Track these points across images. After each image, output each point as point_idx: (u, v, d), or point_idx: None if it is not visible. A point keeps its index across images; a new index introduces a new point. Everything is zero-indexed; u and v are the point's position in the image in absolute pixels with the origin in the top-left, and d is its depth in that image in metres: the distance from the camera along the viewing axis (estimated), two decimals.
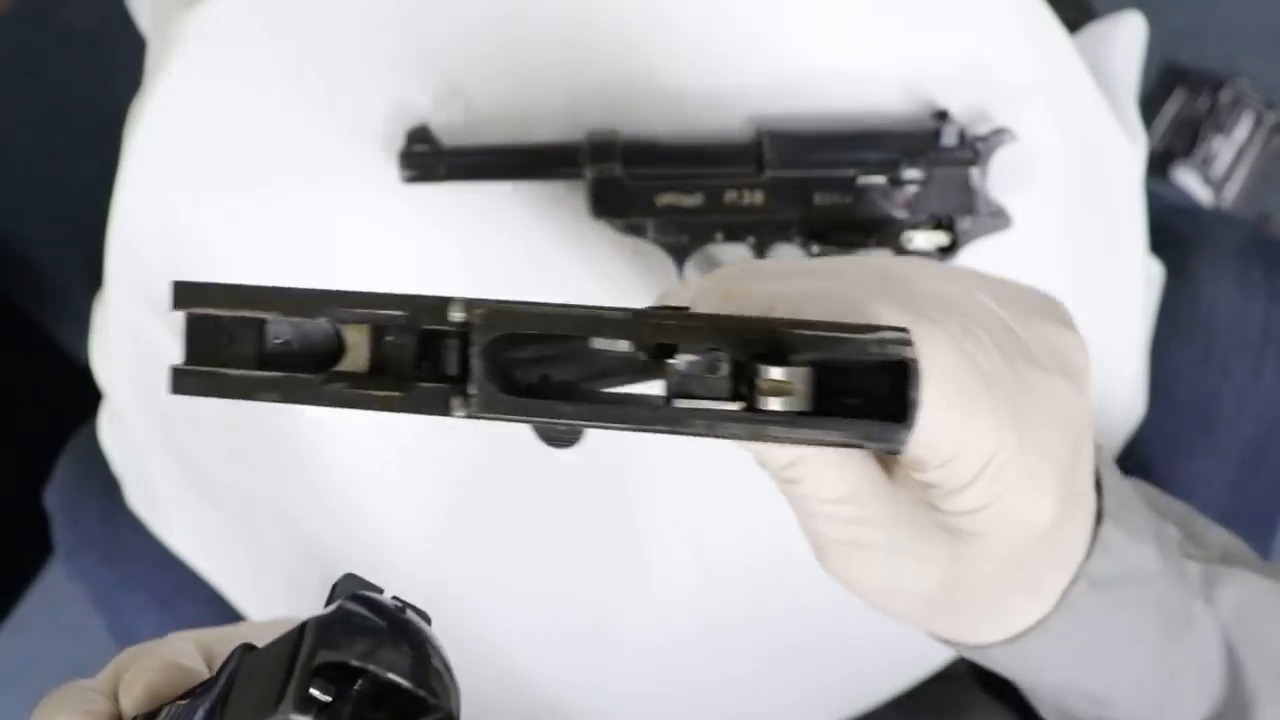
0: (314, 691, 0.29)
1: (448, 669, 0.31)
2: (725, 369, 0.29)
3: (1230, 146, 1.28)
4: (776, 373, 0.29)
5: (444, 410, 0.29)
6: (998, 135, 0.61)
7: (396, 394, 0.30)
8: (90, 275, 0.67)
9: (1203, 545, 0.48)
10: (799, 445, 0.29)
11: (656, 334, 0.29)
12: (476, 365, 0.29)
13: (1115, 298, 0.67)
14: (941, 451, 0.33)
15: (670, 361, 0.29)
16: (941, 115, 0.62)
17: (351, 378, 0.30)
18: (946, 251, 0.62)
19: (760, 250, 0.62)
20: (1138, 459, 0.70)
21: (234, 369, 0.30)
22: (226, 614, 0.70)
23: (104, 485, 0.71)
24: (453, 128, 0.62)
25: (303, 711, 0.29)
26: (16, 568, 1.29)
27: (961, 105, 0.63)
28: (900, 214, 0.62)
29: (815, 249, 0.62)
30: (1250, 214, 1.29)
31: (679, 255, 0.62)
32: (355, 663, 0.29)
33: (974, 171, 0.61)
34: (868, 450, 0.36)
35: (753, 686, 0.71)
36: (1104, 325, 0.67)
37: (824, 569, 0.40)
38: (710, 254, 0.63)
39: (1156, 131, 1.29)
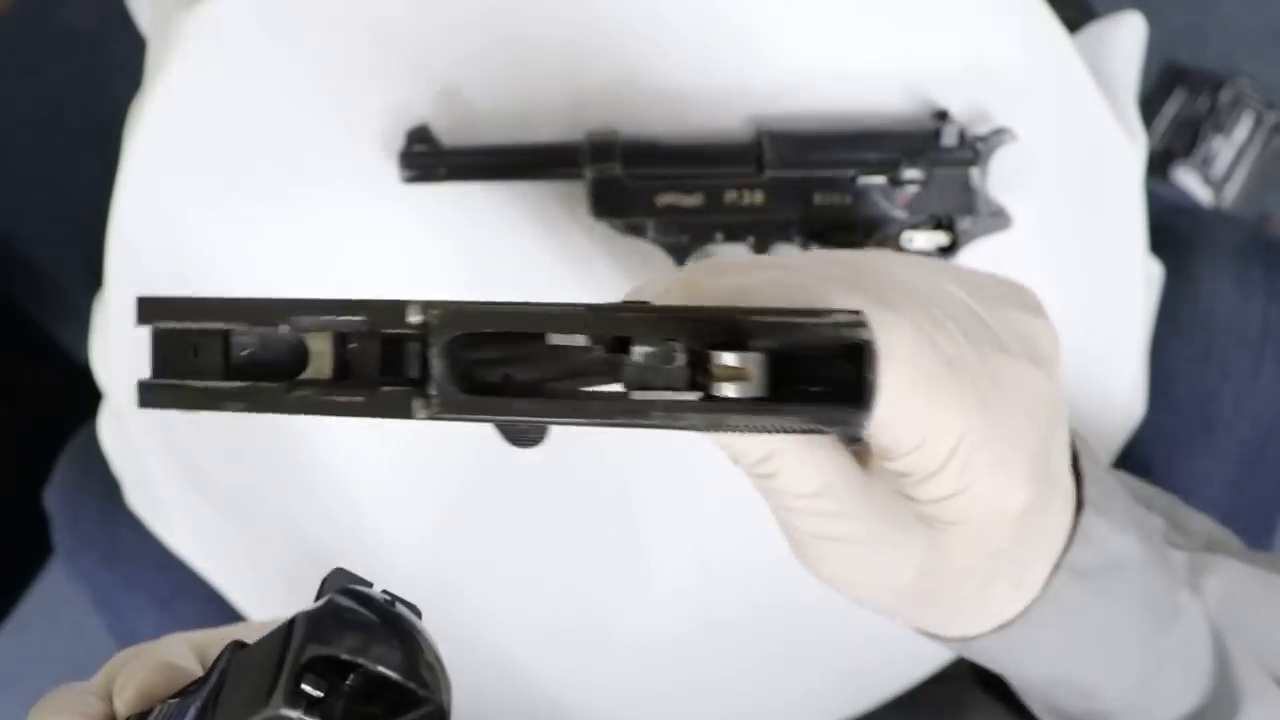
0: (305, 687, 0.29)
1: (438, 661, 0.31)
2: (681, 359, 0.29)
3: (1230, 146, 1.28)
4: (730, 358, 0.29)
5: (406, 413, 0.30)
6: (998, 135, 0.61)
7: (359, 399, 0.30)
8: (90, 275, 0.67)
9: (1188, 534, 0.48)
10: (759, 433, 0.30)
11: (611, 327, 0.29)
12: (436, 366, 0.29)
13: (1115, 298, 0.67)
14: (908, 438, 0.34)
15: (627, 354, 0.29)
16: (941, 115, 0.62)
17: (316, 385, 0.31)
18: (946, 251, 0.62)
19: (760, 250, 0.62)
20: (1137, 459, 0.70)
21: (200, 381, 0.31)
22: (226, 614, 0.70)
23: (104, 485, 0.71)
24: (453, 128, 0.62)
25: (292, 705, 0.29)
26: (16, 568, 1.29)
27: (961, 105, 0.63)
28: (900, 214, 0.62)
29: (815, 249, 0.62)
30: (1250, 214, 1.29)
31: (679, 255, 0.62)
32: (345, 656, 0.29)
33: (974, 171, 0.61)
34: (831, 437, 0.36)
35: (752, 684, 0.71)
36: (1104, 325, 0.67)
37: (802, 564, 0.40)
38: (710, 254, 0.63)
39: (1156, 131, 1.29)
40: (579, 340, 0.30)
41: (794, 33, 0.62)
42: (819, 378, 0.30)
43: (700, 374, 0.29)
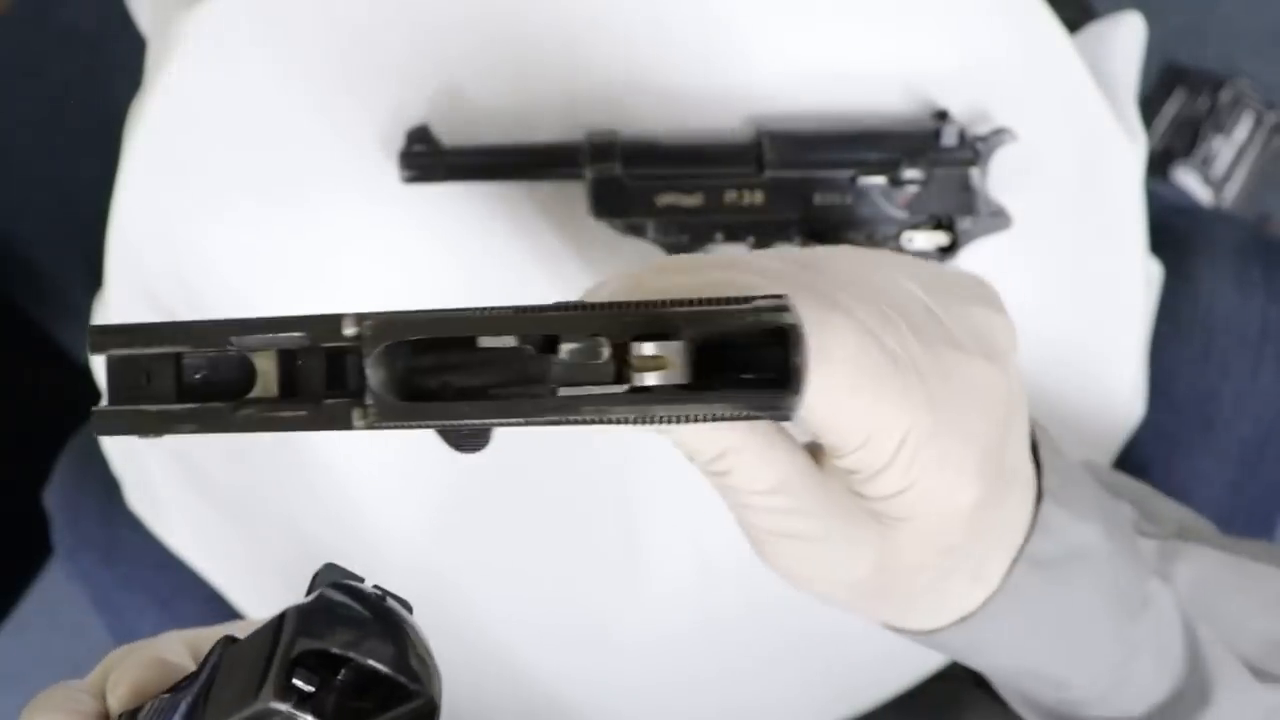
0: (296, 681, 0.29)
1: (429, 655, 0.31)
2: (606, 354, 0.29)
3: (1230, 146, 1.28)
4: (649, 348, 0.29)
5: (346, 423, 0.30)
6: (998, 135, 0.61)
7: (303, 413, 0.31)
8: (90, 275, 0.67)
9: (1159, 522, 0.48)
10: (693, 423, 0.30)
11: (538, 326, 0.30)
12: (371, 376, 0.30)
13: (1115, 298, 0.67)
14: (852, 436, 0.34)
15: (555, 352, 0.30)
16: (941, 115, 0.62)
17: (262, 402, 0.31)
18: (946, 251, 0.62)
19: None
20: (1137, 459, 0.70)
21: (153, 405, 0.31)
22: (226, 614, 0.70)
23: (104, 485, 0.71)
24: (453, 128, 0.62)
25: (283, 699, 0.29)
26: (16, 568, 1.29)
27: (961, 105, 0.63)
28: (900, 214, 0.62)
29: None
30: (1250, 214, 1.29)
31: (680, 255, 0.62)
32: (336, 650, 0.30)
33: (974, 171, 0.61)
34: (785, 435, 0.36)
35: (751, 681, 0.71)
36: (1104, 325, 0.67)
37: (762, 562, 0.40)
38: (715, 254, 0.64)
39: (1156, 131, 1.29)
40: (510, 342, 0.30)
41: (794, 33, 0.62)
42: (754, 366, 0.30)
43: (626, 367, 0.30)
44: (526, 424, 0.30)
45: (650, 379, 0.29)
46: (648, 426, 0.30)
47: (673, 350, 0.30)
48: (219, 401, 0.31)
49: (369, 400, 0.30)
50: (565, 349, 0.30)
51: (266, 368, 0.32)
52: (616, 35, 0.62)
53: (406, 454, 0.67)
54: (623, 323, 0.30)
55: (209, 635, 0.41)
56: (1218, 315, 0.70)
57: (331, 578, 0.32)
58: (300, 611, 0.31)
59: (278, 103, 0.63)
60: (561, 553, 0.69)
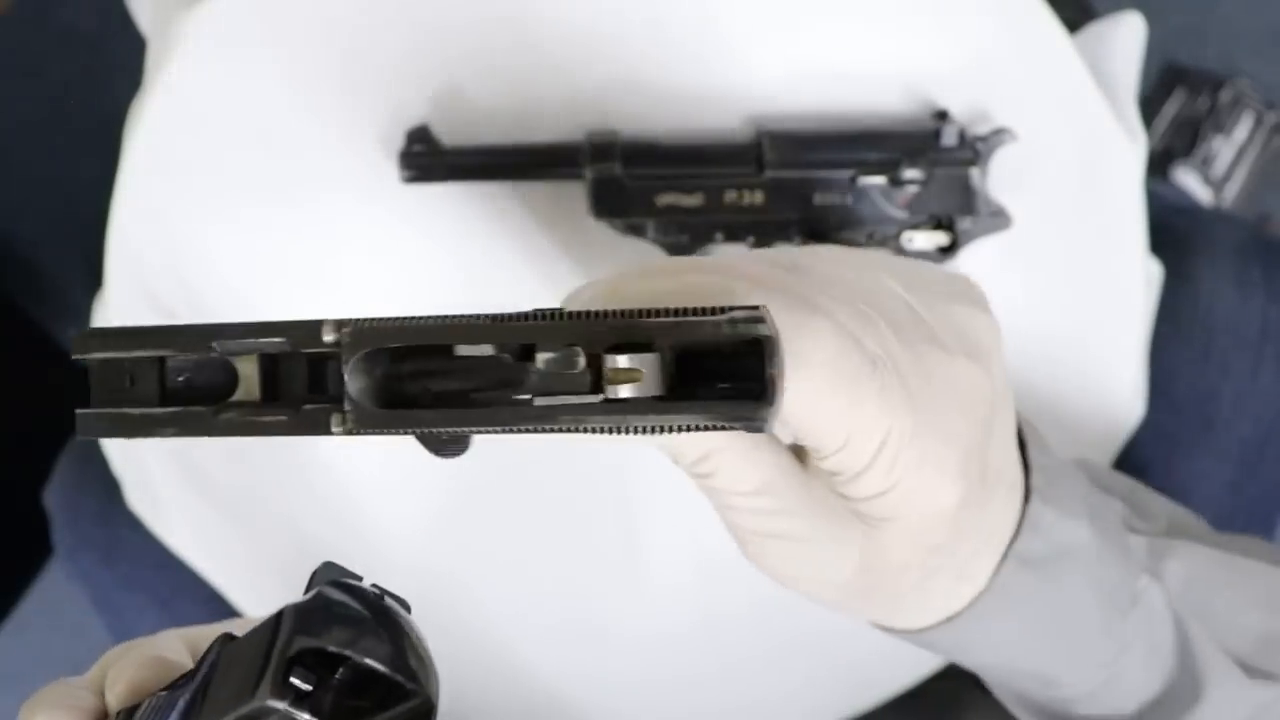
0: (294, 680, 0.29)
1: (427, 655, 0.31)
2: (581, 363, 0.29)
3: (1230, 146, 1.28)
4: (622, 360, 0.29)
5: (325, 429, 0.30)
6: (998, 135, 0.61)
7: (283, 418, 0.31)
8: (90, 275, 0.67)
9: (1149, 519, 0.48)
10: (669, 433, 0.30)
11: (514, 335, 0.30)
12: (350, 382, 0.30)
13: (1115, 298, 0.67)
14: (831, 438, 0.34)
15: (531, 361, 0.30)
16: (941, 115, 0.62)
17: (244, 406, 0.32)
18: (946, 251, 0.62)
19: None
20: (1137, 459, 0.70)
21: (136, 408, 0.32)
22: (226, 614, 0.70)
23: (104, 485, 0.71)
24: (453, 128, 0.62)
25: (279, 697, 0.29)
26: (16, 568, 1.29)
27: (961, 105, 0.63)
28: (900, 214, 0.62)
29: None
30: (1250, 214, 1.29)
31: (679, 255, 0.62)
32: (333, 649, 0.30)
33: (974, 171, 0.61)
34: (769, 436, 0.37)
35: (751, 678, 0.71)
36: (1104, 325, 0.67)
37: (749, 562, 0.40)
38: (710, 254, 0.64)
39: (1156, 131, 1.29)
40: (487, 350, 0.30)
41: (794, 33, 0.62)
42: (733, 374, 0.30)
43: (601, 378, 0.30)
44: (504, 432, 0.30)
45: (625, 391, 0.29)
46: (625, 436, 0.30)
47: (648, 362, 0.30)
48: (201, 405, 0.31)
49: (347, 407, 0.30)
50: (541, 358, 0.30)
51: (249, 372, 0.32)
52: (616, 35, 0.62)
53: (406, 453, 0.67)
54: (597, 333, 0.30)
55: (207, 633, 0.41)
56: (1218, 315, 0.70)
57: (329, 576, 0.32)
58: (298, 610, 0.31)
59: (278, 103, 0.63)
60: (561, 550, 0.69)
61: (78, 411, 0.32)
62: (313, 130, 0.63)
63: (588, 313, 0.30)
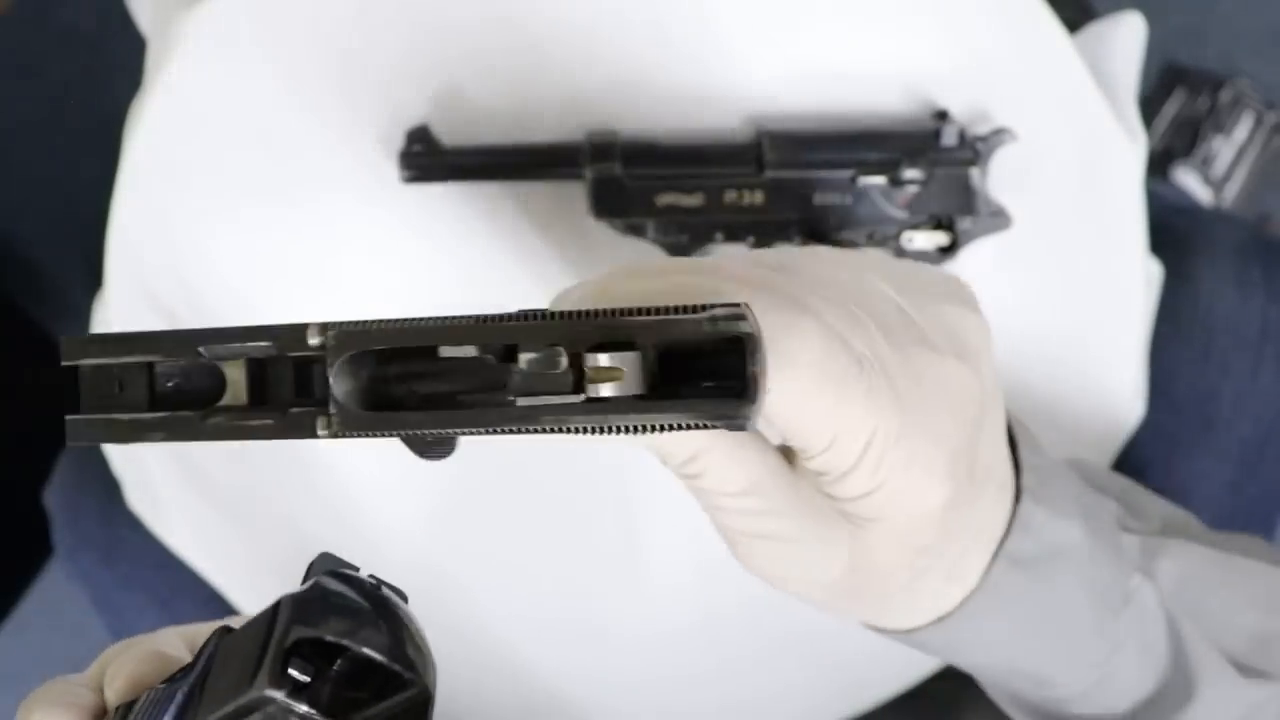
0: (292, 671, 0.29)
1: (424, 645, 0.31)
2: (564, 363, 0.29)
3: (1230, 146, 1.28)
4: (603, 359, 0.29)
5: (311, 432, 0.31)
6: (998, 135, 0.61)
7: (269, 421, 0.31)
8: (90, 275, 0.67)
9: (1143, 518, 0.48)
10: (651, 433, 0.30)
11: (497, 336, 0.30)
12: (335, 385, 0.30)
13: (1115, 298, 0.67)
14: (817, 438, 0.34)
15: (515, 362, 0.30)
16: (941, 115, 0.62)
17: (231, 411, 0.32)
18: (946, 251, 0.62)
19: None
20: (1137, 459, 0.70)
21: (125, 414, 0.32)
22: (225, 614, 0.70)
23: (104, 485, 0.71)
24: (453, 128, 0.62)
25: (277, 686, 0.29)
26: (16, 568, 1.29)
27: (961, 105, 0.63)
28: (900, 214, 0.62)
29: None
30: (1250, 214, 1.29)
31: (679, 255, 0.62)
32: (331, 638, 0.30)
33: (974, 171, 0.61)
34: (757, 436, 0.37)
35: (750, 677, 0.71)
36: (1104, 325, 0.67)
37: (738, 563, 0.40)
38: (710, 254, 0.64)
39: (1156, 131, 1.28)
40: (470, 351, 0.30)
41: (794, 32, 0.62)
42: (716, 373, 0.30)
43: (584, 377, 0.30)
44: (488, 434, 0.30)
45: (606, 389, 0.29)
46: (608, 436, 0.30)
47: (629, 361, 0.30)
48: (189, 410, 0.32)
49: (332, 410, 0.30)
50: (524, 359, 0.30)
51: (236, 377, 0.32)
52: (616, 35, 0.62)
53: (406, 453, 0.67)
54: (579, 333, 0.30)
55: (206, 630, 0.41)
56: (1218, 315, 0.70)
57: (326, 567, 0.32)
58: (295, 600, 0.31)
59: (278, 102, 0.63)
60: (561, 549, 0.69)
61: (67, 418, 0.32)
62: (313, 130, 0.63)
63: (569, 312, 0.30)
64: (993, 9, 0.62)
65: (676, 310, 0.30)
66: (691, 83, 0.63)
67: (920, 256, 0.62)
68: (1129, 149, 0.64)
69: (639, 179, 0.61)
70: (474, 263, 0.65)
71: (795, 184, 0.61)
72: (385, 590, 0.32)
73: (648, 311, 0.30)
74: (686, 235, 0.62)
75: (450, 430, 0.31)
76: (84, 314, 0.68)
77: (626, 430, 0.30)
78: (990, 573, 0.41)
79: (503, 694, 0.71)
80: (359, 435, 0.30)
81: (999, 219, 0.62)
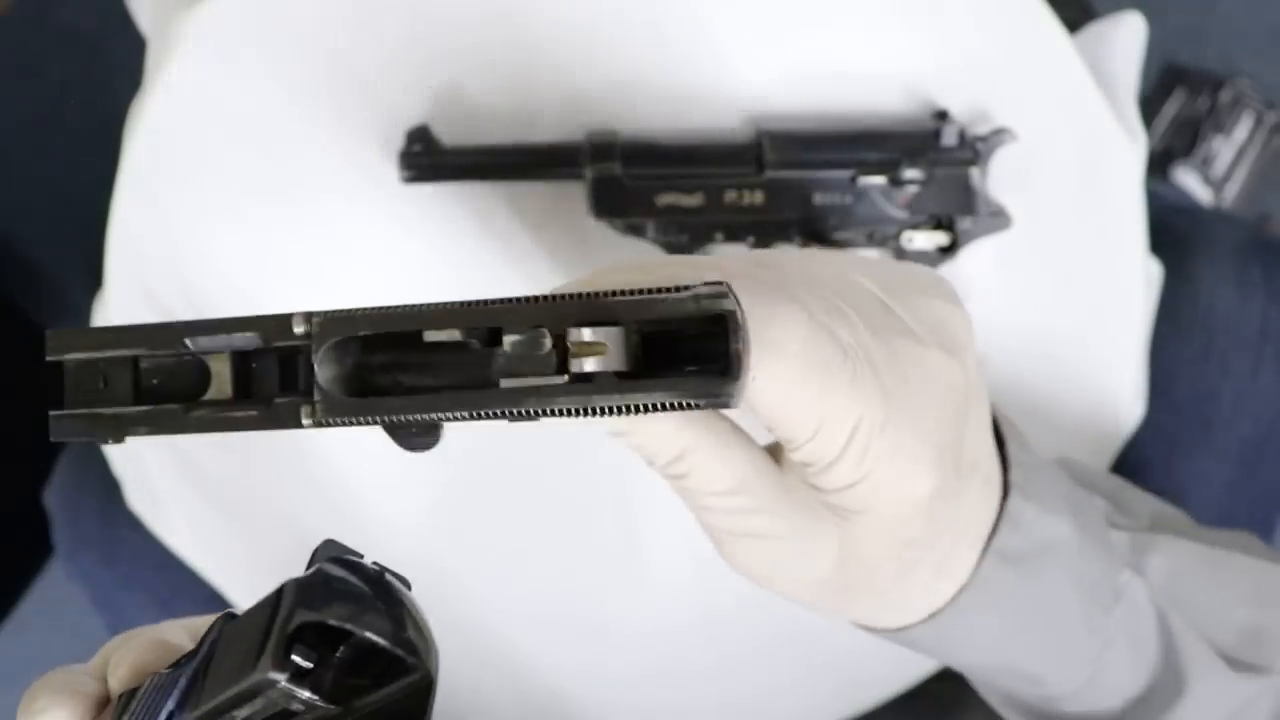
0: (295, 658, 0.29)
1: (427, 631, 0.31)
2: (548, 345, 0.29)
3: (1230, 146, 1.28)
4: (587, 334, 0.30)
5: (296, 421, 0.31)
6: (998, 135, 0.61)
7: (254, 413, 0.31)
8: (90, 275, 0.67)
9: (1132, 515, 0.49)
10: (635, 414, 0.30)
11: (480, 319, 0.30)
12: (319, 373, 0.30)
13: (1115, 298, 0.67)
14: (802, 427, 0.34)
15: (499, 346, 0.30)
16: (941, 115, 0.62)
17: (216, 404, 0.32)
18: (946, 251, 0.62)
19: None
20: (1136, 459, 0.70)
21: (110, 409, 0.32)
22: None
23: (104, 485, 0.71)
24: (453, 128, 0.62)
25: (280, 669, 0.29)
26: (16, 568, 1.29)
27: (961, 105, 0.63)
28: (900, 214, 0.62)
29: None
30: (1250, 214, 1.29)
31: (678, 255, 0.62)
32: (334, 623, 0.30)
33: (974, 171, 0.61)
34: (742, 434, 0.37)
35: (750, 674, 0.71)
36: (1104, 325, 0.67)
37: (726, 563, 0.40)
38: (710, 254, 0.64)
39: (1156, 131, 1.29)
40: (455, 335, 0.30)
41: (794, 32, 0.62)
42: (700, 357, 0.30)
43: (568, 357, 0.30)
44: (473, 418, 0.30)
45: (589, 364, 0.29)
46: (593, 419, 0.30)
47: (612, 336, 0.30)
48: (174, 404, 0.32)
49: (316, 397, 0.30)
50: (508, 341, 0.30)
51: (221, 370, 0.32)
52: (616, 35, 0.62)
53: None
54: (563, 312, 0.30)
55: (208, 621, 0.41)
56: (1218, 315, 0.70)
57: (330, 553, 0.32)
58: (299, 584, 0.31)
59: (278, 102, 0.63)
60: (561, 545, 0.69)
61: (51, 414, 0.32)
62: (313, 130, 0.63)
63: (553, 295, 0.30)
64: (993, 9, 0.62)
65: (660, 290, 0.30)
66: (692, 82, 0.63)
67: (920, 256, 0.62)
68: (1129, 149, 0.64)
69: (639, 179, 0.61)
70: (473, 262, 0.65)
71: (795, 184, 0.61)
72: (389, 576, 0.32)
73: (630, 292, 0.30)
74: (686, 235, 0.62)
75: (434, 415, 0.30)
76: (84, 314, 0.68)
77: (611, 411, 0.30)
78: (980, 568, 0.41)
79: (502, 689, 0.71)
80: (343, 422, 0.30)
81: (999, 219, 0.62)
